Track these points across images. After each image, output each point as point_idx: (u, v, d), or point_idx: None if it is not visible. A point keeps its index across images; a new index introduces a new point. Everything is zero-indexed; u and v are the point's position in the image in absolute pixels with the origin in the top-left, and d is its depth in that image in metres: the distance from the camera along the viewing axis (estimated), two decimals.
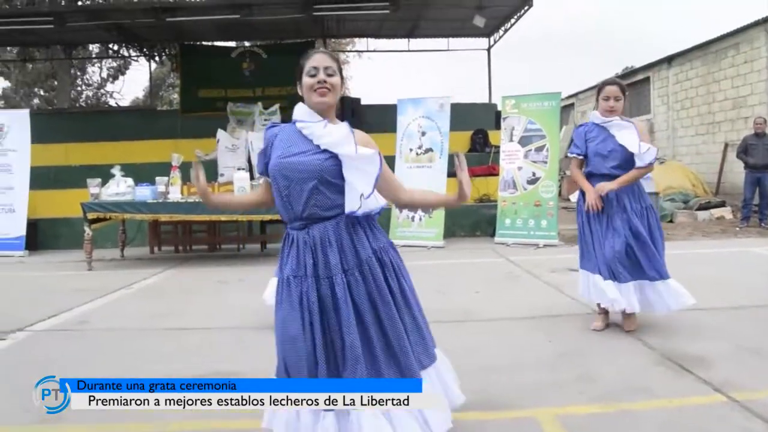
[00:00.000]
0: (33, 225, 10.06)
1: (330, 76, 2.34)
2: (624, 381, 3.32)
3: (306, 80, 2.32)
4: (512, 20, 13.73)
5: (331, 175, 2.22)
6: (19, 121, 10.21)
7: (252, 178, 8.36)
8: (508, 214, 9.54)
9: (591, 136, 4.25)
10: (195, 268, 7.99)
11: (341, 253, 2.26)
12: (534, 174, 9.39)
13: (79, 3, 15.19)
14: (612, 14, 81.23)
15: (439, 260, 7.97)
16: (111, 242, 9.31)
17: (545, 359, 3.74)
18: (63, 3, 14.81)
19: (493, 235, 9.76)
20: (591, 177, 4.25)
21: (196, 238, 9.60)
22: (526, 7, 12.72)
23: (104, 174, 8.34)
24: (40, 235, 10.28)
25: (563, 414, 2.93)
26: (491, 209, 10.11)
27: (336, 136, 2.25)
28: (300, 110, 2.35)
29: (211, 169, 10.42)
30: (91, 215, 7.76)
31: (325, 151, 2.24)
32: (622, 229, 4.09)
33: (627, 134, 4.10)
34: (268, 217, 7.83)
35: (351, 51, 21.46)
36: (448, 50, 15.95)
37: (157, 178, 7.99)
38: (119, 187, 7.93)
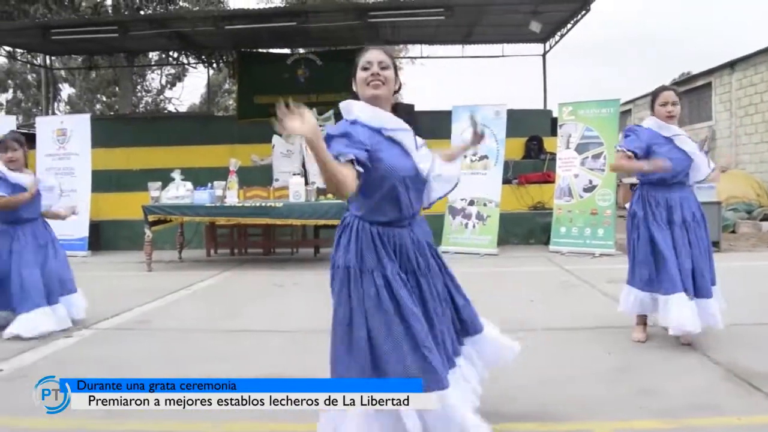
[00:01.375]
0: (95, 226, 10.42)
1: (384, 69, 2.38)
2: (688, 396, 3.22)
3: (360, 74, 2.38)
4: (568, 25, 13.54)
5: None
6: (80, 125, 10.58)
7: (306, 183, 8.47)
8: (563, 222, 9.39)
9: (656, 142, 4.11)
10: (250, 271, 8.12)
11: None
12: (591, 182, 9.21)
13: (141, 12, 15.69)
14: (666, 19, 79.35)
15: (492, 268, 7.90)
16: (169, 244, 9.55)
17: (603, 372, 3.66)
18: (125, 12, 15.32)
19: (547, 243, 9.62)
20: (649, 185, 4.15)
21: (251, 242, 9.77)
22: (583, 12, 12.53)
23: (163, 178, 8.58)
24: (102, 237, 10.64)
25: (622, 429, 2.86)
26: (546, 217, 9.97)
27: (428, 161, 2.42)
28: (361, 108, 2.36)
29: (267, 174, 10.61)
30: (151, 218, 7.99)
31: None
32: (689, 241, 3.99)
33: (691, 145, 4.07)
34: (321, 222, 7.91)
35: (405, 57, 21.52)
36: (502, 56, 15.84)
37: (215, 182, 8.17)
38: (178, 191, 8.14)
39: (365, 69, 2.37)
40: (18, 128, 11.26)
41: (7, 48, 14.73)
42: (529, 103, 20.80)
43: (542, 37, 14.54)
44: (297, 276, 7.52)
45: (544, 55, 15.46)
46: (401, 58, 21.44)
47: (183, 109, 29.75)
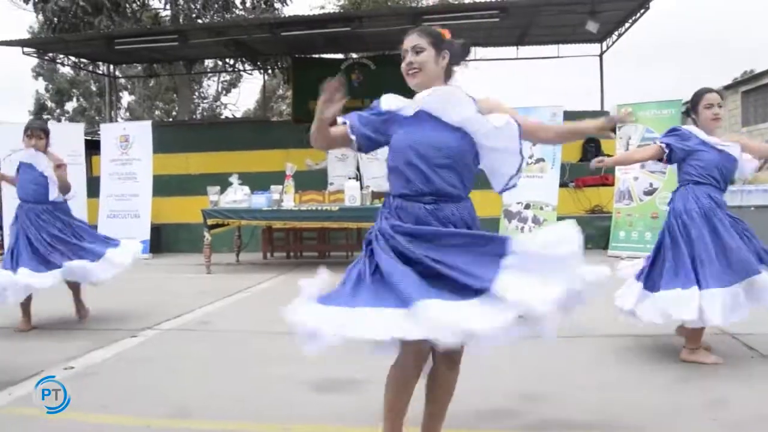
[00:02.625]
0: (156, 229, 10.73)
1: (418, 53, 2.33)
2: (763, 408, 3.09)
3: (402, 65, 2.37)
4: (627, 24, 13.26)
5: None
6: (142, 132, 10.93)
7: (361, 187, 8.52)
8: (622, 226, 9.18)
9: (700, 149, 3.94)
10: (306, 274, 8.12)
11: None
12: (651, 185, 8.98)
13: (199, 21, 16.09)
14: (728, 16, 76.71)
15: None
16: (227, 247, 9.75)
17: (670, 380, 3.55)
18: (182, 21, 15.74)
19: (605, 247, 9.42)
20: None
21: (307, 245, 9.88)
22: (642, 11, 12.25)
23: (221, 182, 8.76)
24: (163, 239, 10.96)
25: None
26: (604, 221, 9.77)
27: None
28: (386, 100, 2.49)
29: (321, 178, 10.72)
30: (210, 221, 8.17)
31: None
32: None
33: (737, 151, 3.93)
34: None
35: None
36: (558, 57, 15.61)
37: (272, 187, 8.30)
38: (236, 195, 8.30)
39: (403, 59, 2.35)
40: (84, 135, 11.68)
41: (73, 58, 15.31)
42: (585, 105, 20.44)
43: (599, 37, 14.27)
44: None
45: (601, 56, 15.17)
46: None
47: (238, 114, 30.36)
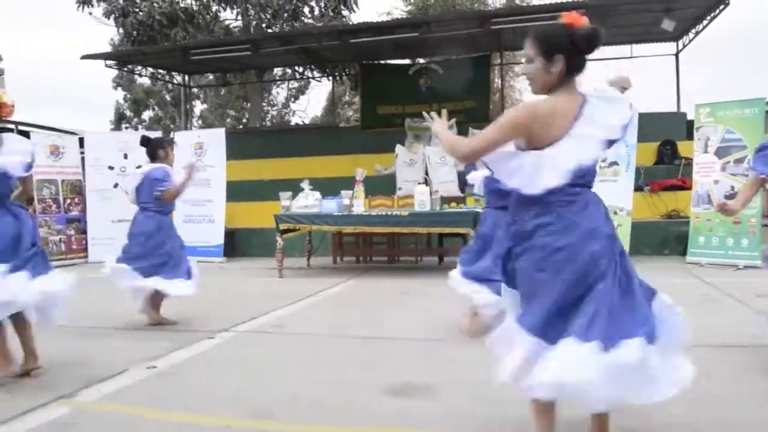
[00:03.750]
0: (230, 234, 11.02)
1: (529, 63, 2.31)
2: None
3: None
4: (704, 21, 12.76)
5: None
6: (216, 139, 11.27)
7: (431, 192, 8.49)
8: (701, 231, 8.83)
9: None
10: (376, 279, 8.25)
11: None
12: (733, 188, 8.60)
13: (269, 30, 16.46)
14: None
15: None
16: (298, 251, 9.90)
17: (759, 395, 3.38)
18: (252, 31, 16.13)
19: (683, 254, 9.07)
20: None
21: (376, 250, 9.93)
22: (721, 7, 11.77)
23: (291, 187, 8.93)
24: (236, 244, 11.25)
25: None
26: (681, 226, 9.42)
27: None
28: None
29: (390, 183, 10.76)
30: (282, 226, 8.32)
31: None
32: None
33: None
34: (447, 230, 7.90)
35: None
36: (631, 57, 15.17)
37: (342, 192, 8.38)
38: (308, 200, 8.43)
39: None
40: None
41: (151, 69, 15.92)
42: (661, 106, 19.77)
43: (675, 36, 13.80)
44: (422, 284, 7.55)
45: (677, 55, 14.66)
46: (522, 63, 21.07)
47: (306, 121, 30.86)
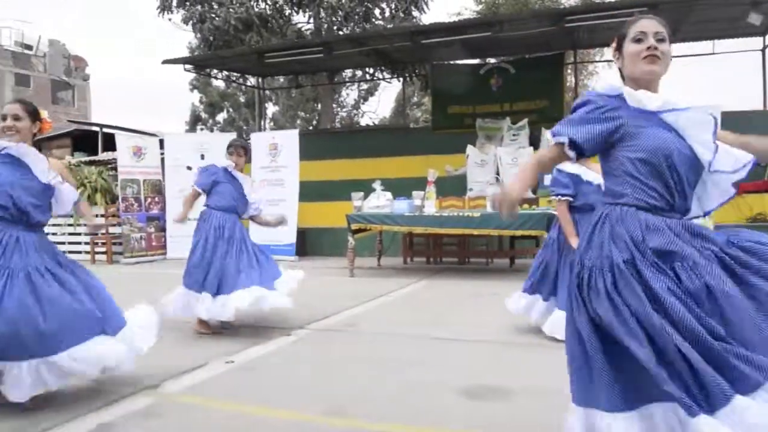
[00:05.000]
0: (302, 233, 11.21)
1: (660, 41, 2.08)
2: None
3: (631, 47, 2.10)
4: None
5: None
6: (289, 140, 11.52)
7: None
8: None
9: None
10: (446, 280, 8.21)
11: None
12: None
13: (340, 32, 16.64)
14: None
15: None
16: (368, 251, 9.97)
17: None
18: (323, 34, 16.34)
19: None
20: None
21: (447, 251, 9.89)
22: None
23: (362, 188, 9.00)
24: (308, 243, 11.43)
25: None
26: None
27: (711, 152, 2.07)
28: (629, 89, 2.08)
29: (460, 184, 10.68)
30: (354, 226, 8.40)
31: None
32: None
33: None
34: (519, 233, 7.78)
35: (602, 61, 20.61)
36: (713, 54, 14.55)
37: (414, 192, 8.39)
38: (379, 200, 8.48)
39: (638, 41, 2.08)
40: None
41: (225, 72, 16.36)
42: (745, 104, 18.89)
43: (762, 30, 13.14)
44: (493, 286, 7.46)
45: (764, 50, 13.96)
46: (598, 62, 20.58)
47: (375, 122, 31.05)
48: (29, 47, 36.11)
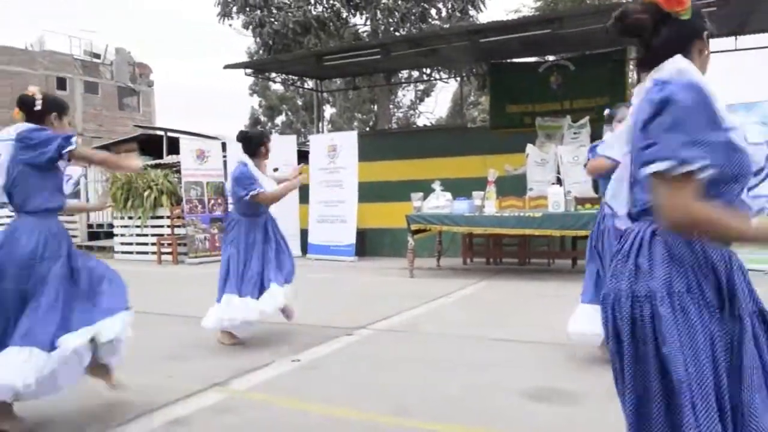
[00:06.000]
0: (361, 234, 11.29)
1: None
2: None
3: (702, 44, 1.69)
4: None
5: None
6: (348, 141, 11.64)
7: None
8: None
9: None
10: (507, 281, 8.13)
11: None
12: None
13: (397, 33, 16.67)
14: None
15: None
16: (427, 252, 9.95)
17: None
18: (380, 35, 16.40)
19: None
20: None
21: (506, 251, 9.79)
22: None
23: (420, 188, 8.99)
24: (367, 243, 11.51)
25: None
26: None
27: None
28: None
29: (520, 184, 10.55)
30: (414, 226, 8.41)
31: None
32: None
33: None
34: (582, 233, 7.63)
35: None
36: None
37: (473, 193, 8.33)
38: (438, 201, 8.46)
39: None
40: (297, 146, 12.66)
41: (283, 75, 16.62)
42: None
43: None
44: (555, 288, 7.35)
45: None
46: None
47: (432, 122, 31.00)
48: (97, 56, 37.59)
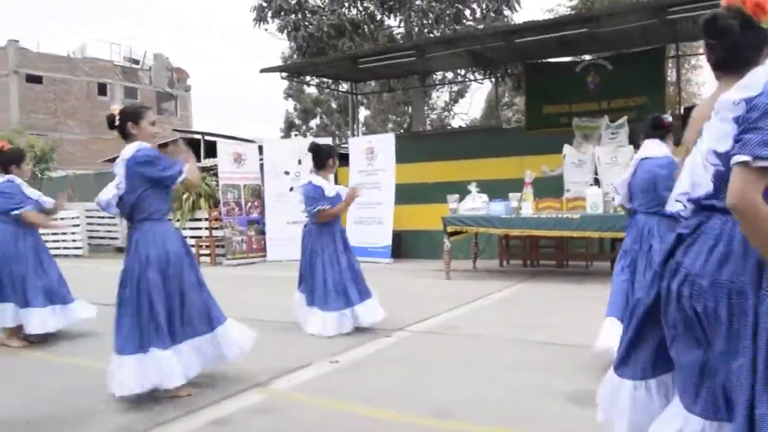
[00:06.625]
0: (397, 236, 11.31)
1: None
2: None
3: None
4: None
5: None
6: (385, 144, 11.69)
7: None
8: None
9: None
10: (545, 283, 8.05)
11: None
12: None
13: (431, 35, 16.66)
14: None
15: None
16: (463, 253, 9.91)
17: None
18: (414, 37, 16.40)
19: None
20: None
21: (544, 253, 9.69)
22: None
23: (456, 190, 8.97)
24: (403, 245, 11.52)
25: None
26: None
27: None
28: None
29: (556, 185, 10.44)
30: (450, 228, 8.38)
31: None
32: None
33: None
34: (622, 235, 7.49)
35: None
36: None
37: (510, 194, 8.28)
38: (475, 203, 8.42)
39: None
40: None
41: (317, 78, 16.74)
42: None
43: None
44: (594, 290, 7.22)
45: None
46: (702, 54, 19.50)
47: (465, 123, 30.88)
48: (136, 62, 38.38)
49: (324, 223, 5.39)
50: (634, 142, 9.43)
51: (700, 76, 22.78)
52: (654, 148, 4.08)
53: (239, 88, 71.55)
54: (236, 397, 3.64)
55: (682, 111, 12.34)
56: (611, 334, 3.88)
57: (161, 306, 3.57)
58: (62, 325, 5.29)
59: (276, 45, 40.72)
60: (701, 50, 13.50)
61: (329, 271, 5.22)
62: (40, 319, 5.10)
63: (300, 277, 5.49)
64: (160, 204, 3.76)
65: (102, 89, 35.62)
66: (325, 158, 5.41)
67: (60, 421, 3.39)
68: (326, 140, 13.61)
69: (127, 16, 71.18)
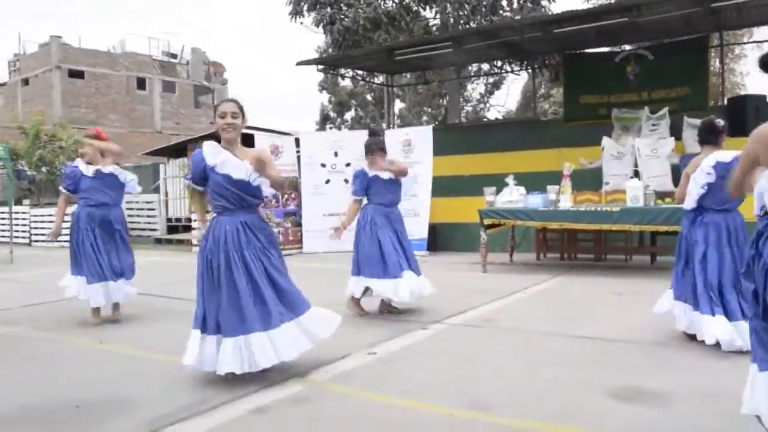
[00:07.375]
0: (433, 228, 11.30)
1: None
2: None
3: None
4: None
5: None
6: (423, 136, 11.71)
7: None
8: None
9: None
10: (583, 277, 7.95)
11: None
12: None
13: (467, 26, 16.52)
14: None
15: None
16: (499, 247, 9.85)
17: None
18: (450, 28, 16.28)
19: None
20: None
21: (581, 247, 9.58)
22: None
23: (492, 182, 8.91)
24: (439, 238, 11.50)
25: None
26: None
27: None
28: None
29: (595, 177, 10.30)
30: (487, 221, 8.34)
31: None
32: None
33: None
34: (662, 228, 7.38)
35: (750, 42, 19.04)
36: None
37: (548, 187, 8.19)
38: (512, 195, 8.36)
39: None
40: None
41: (353, 71, 16.75)
42: None
43: None
44: (634, 285, 7.15)
45: None
46: (746, 43, 19.02)
47: (501, 115, 30.61)
48: (174, 56, 38.94)
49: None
50: (676, 134, 9.20)
51: (744, 65, 22.18)
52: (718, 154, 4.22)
53: (274, 83, 72.09)
54: (276, 387, 3.69)
55: (725, 102, 12.05)
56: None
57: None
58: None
59: (312, 39, 40.82)
60: (745, 39, 13.23)
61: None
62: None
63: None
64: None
65: (141, 83, 36.25)
66: (372, 149, 6.19)
67: (107, 405, 3.48)
68: (362, 132, 13.61)
69: (164, 11, 72.25)
